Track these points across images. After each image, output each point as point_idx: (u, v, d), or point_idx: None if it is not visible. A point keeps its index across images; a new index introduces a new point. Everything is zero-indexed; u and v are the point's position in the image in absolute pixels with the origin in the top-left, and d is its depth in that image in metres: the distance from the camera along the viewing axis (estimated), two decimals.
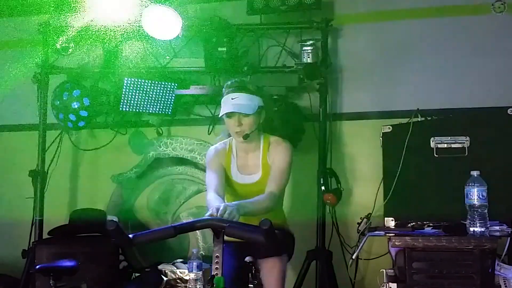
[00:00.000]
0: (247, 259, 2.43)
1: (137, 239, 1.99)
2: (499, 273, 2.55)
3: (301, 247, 3.15)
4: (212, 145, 2.79)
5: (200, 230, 3.54)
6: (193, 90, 3.68)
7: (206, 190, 2.65)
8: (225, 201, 2.56)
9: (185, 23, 3.48)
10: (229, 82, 2.67)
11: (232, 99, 2.56)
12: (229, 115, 2.56)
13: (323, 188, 3.30)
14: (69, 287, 2.91)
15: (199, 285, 3.25)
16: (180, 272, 3.47)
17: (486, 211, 2.56)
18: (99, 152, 4.01)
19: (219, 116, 2.62)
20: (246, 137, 2.55)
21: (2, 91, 4.22)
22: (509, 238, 2.59)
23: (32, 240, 3.61)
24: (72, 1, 3.70)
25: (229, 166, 2.66)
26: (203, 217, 2.13)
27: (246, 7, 3.56)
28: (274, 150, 2.60)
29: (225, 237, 1.97)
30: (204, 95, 3.68)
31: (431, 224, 2.82)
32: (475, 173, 2.59)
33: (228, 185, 2.65)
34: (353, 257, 2.90)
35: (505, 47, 3.50)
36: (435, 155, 3.00)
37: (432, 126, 3.12)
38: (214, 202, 2.38)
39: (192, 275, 3.30)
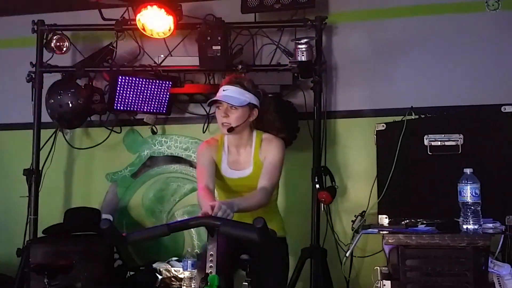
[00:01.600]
0: (243, 257, 2.43)
1: (131, 238, 1.99)
2: (492, 270, 2.56)
3: (296, 245, 3.16)
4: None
5: (195, 228, 3.56)
6: (187, 88, 3.68)
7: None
8: (216, 195, 2.58)
9: (180, 21, 3.49)
10: (227, 77, 2.69)
11: (223, 90, 2.59)
12: (219, 106, 2.58)
13: (317, 186, 3.30)
14: (64, 285, 2.92)
15: (193, 283, 3.27)
16: (175, 271, 3.48)
17: (479, 208, 2.57)
18: (93, 151, 4.01)
19: (207, 104, 2.66)
20: (230, 130, 2.56)
21: None
22: (502, 235, 2.60)
23: (27, 239, 3.60)
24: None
25: (220, 161, 2.66)
26: (197, 216, 2.14)
27: (240, 5, 3.56)
28: (266, 146, 2.61)
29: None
30: (198, 93, 3.68)
31: (424, 222, 2.82)
32: (468, 170, 2.60)
33: (218, 180, 2.65)
34: (347, 254, 2.91)
35: (499, 45, 3.51)
36: (428, 152, 3.01)
37: (426, 124, 3.12)
38: (205, 197, 2.39)
39: (186, 273, 3.33)
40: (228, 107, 2.56)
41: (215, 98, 2.58)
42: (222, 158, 2.67)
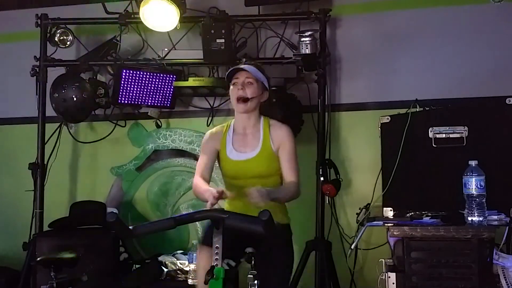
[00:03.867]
0: (248, 249, 2.44)
1: (137, 231, 2.00)
2: (497, 262, 2.56)
3: (301, 237, 3.17)
4: None
5: (200, 222, 3.57)
6: (191, 82, 3.68)
7: None
8: (222, 183, 2.70)
9: (183, 14, 3.49)
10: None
11: (241, 66, 2.66)
12: (235, 82, 2.62)
13: (322, 179, 3.31)
14: (70, 279, 2.93)
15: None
16: (181, 264, 3.49)
17: (484, 200, 2.57)
18: (98, 145, 4.02)
19: (226, 74, 2.67)
20: (245, 100, 2.59)
21: (1, 84, 4.23)
22: (507, 227, 2.60)
23: (33, 232, 3.62)
24: None
25: (224, 144, 2.67)
26: (203, 209, 2.15)
27: None
28: (276, 133, 2.63)
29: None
30: (202, 87, 3.68)
31: (429, 214, 2.83)
32: (473, 162, 2.60)
33: (223, 167, 2.68)
34: (352, 247, 2.91)
35: (504, 36, 3.51)
36: (433, 145, 3.01)
37: (431, 116, 3.11)
38: (201, 185, 2.51)
39: (192, 266, 3.34)
40: (244, 81, 2.61)
41: (236, 67, 2.63)
42: (227, 141, 2.68)
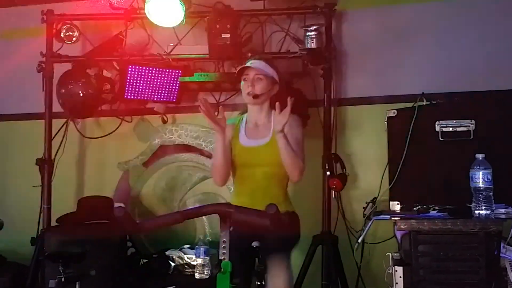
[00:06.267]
0: (254, 244, 2.44)
1: (145, 226, 2.00)
2: (504, 255, 2.56)
3: (307, 232, 3.17)
4: None
5: (206, 216, 3.58)
6: (197, 77, 3.68)
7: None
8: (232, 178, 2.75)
9: (189, 10, 3.49)
10: (251, 55, 2.88)
11: (250, 63, 2.72)
12: (245, 78, 2.71)
13: (328, 173, 3.31)
14: (78, 273, 2.94)
15: (206, 270, 3.30)
16: (188, 258, 3.50)
17: (491, 194, 2.56)
18: (105, 140, 4.03)
19: (236, 72, 2.74)
20: (256, 97, 2.68)
21: (8, 81, 4.24)
22: None
23: (41, 227, 3.64)
24: None
25: (237, 134, 2.75)
26: (210, 203, 2.16)
27: None
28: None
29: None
30: (208, 81, 3.68)
31: (436, 208, 2.82)
32: (480, 156, 2.59)
33: (234, 154, 2.71)
34: (359, 241, 2.91)
35: (509, 29, 3.48)
36: (440, 138, 3.00)
37: (437, 109, 3.10)
38: None
39: (199, 261, 3.35)
40: (254, 77, 2.69)
41: (245, 65, 2.70)
42: (240, 131, 2.76)
